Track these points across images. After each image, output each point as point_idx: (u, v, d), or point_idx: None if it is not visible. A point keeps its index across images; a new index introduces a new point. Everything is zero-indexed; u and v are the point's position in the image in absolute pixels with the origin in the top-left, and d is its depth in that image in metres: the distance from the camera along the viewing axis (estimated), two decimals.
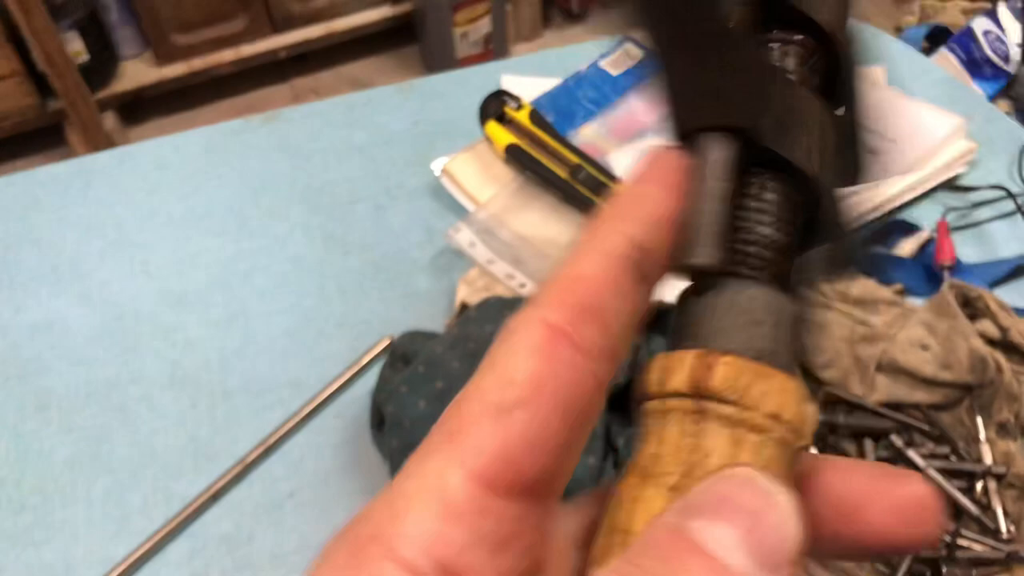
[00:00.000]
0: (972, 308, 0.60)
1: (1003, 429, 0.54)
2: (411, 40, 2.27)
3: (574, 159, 0.71)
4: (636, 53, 0.85)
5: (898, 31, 1.38)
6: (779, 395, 0.17)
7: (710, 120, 0.19)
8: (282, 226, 0.75)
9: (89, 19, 1.93)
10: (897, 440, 0.53)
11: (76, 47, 1.90)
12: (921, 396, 0.55)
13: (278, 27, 2.15)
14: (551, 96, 0.81)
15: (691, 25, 0.20)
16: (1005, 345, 0.58)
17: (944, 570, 0.48)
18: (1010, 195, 0.73)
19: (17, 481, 0.58)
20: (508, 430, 0.15)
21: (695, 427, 0.17)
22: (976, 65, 1.23)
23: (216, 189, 0.79)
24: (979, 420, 0.54)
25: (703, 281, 0.18)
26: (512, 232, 0.69)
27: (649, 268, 0.18)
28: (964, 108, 0.79)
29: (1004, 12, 1.23)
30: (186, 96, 2.13)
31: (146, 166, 0.81)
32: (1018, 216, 0.72)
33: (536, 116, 0.74)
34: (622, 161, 0.74)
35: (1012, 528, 0.50)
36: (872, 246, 0.70)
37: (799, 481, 0.17)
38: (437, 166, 0.77)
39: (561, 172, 0.71)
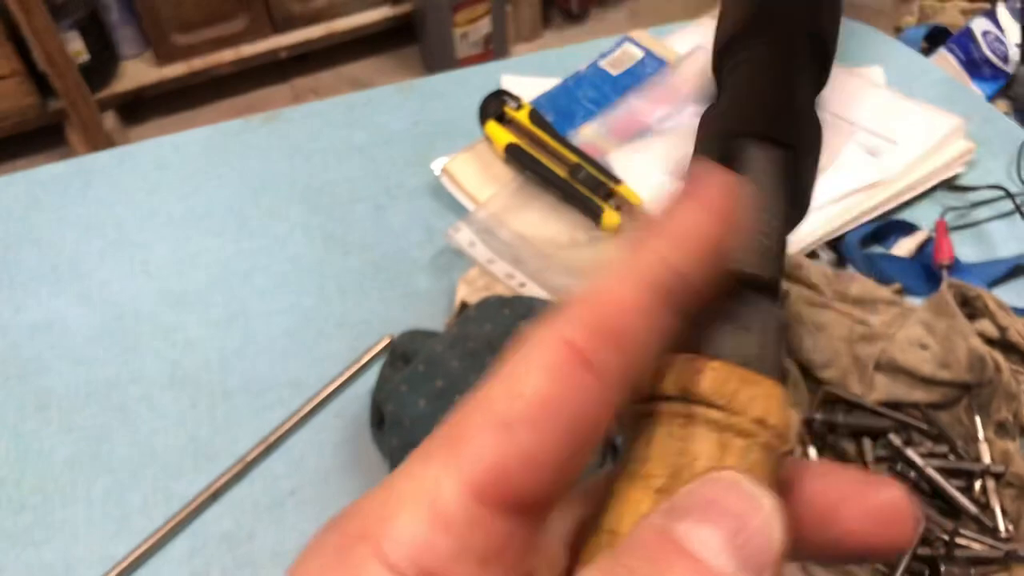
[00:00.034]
0: (971, 307, 0.60)
1: (1001, 428, 0.54)
2: (411, 40, 2.28)
3: (574, 159, 0.72)
4: (636, 53, 0.85)
5: (897, 31, 1.39)
6: (765, 401, 0.17)
7: (763, 131, 0.19)
8: (282, 226, 0.75)
9: (89, 19, 1.93)
10: (896, 439, 0.53)
11: (76, 47, 1.90)
12: (920, 395, 0.56)
13: (278, 27, 2.15)
14: (551, 96, 0.81)
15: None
16: (1004, 344, 0.58)
17: (943, 569, 0.48)
18: (1009, 195, 0.73)
19: (17, 481, 0.58)
20: (508, 445, 0.15)
21: (682, 431, 0.17)
22: (975, 65, 1.23)
23: (216, 189, 0.79)
24: (977, 419, 0.54)
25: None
26: (512, 232, 0.69)
27: (684, 297, 0.17)
28: (963, 108, 0.79)
29: (1003, 13, 1.23)
30: (186, 96, 2.13)
31: (146, 166, 0.81)
32: (1017, 216, 0.72)
33: (536, 116, 0.75)
34: (622, 161, 0.74)
35: (1010, 527, 0.50)
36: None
37: (781, 485, 0.18)
38: (437, 166, 0.77)
39: (561, 172, 0.71)
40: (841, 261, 0.69)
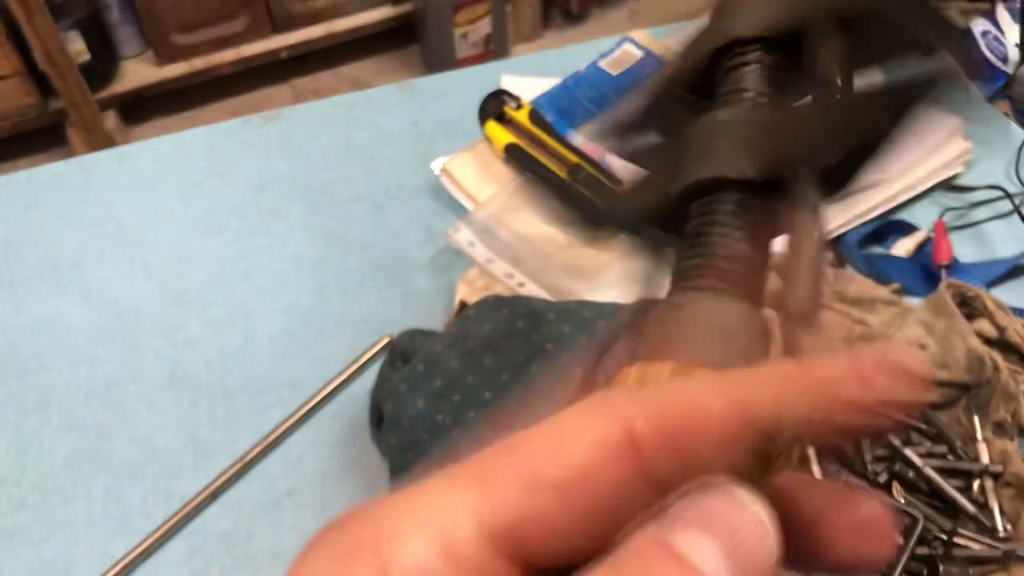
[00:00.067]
0: (969, 308, 0.60)
1: (1000, 428, 0.54)
2: (411, 41, 2.27)
3: (574, 159, 0.72)
4: (636, 53, 0.85)
5: None
6: None
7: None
8: (282, 225, 0.75)
9: (90, 19, 1.93)
10: (894, 439, 0.53)
11: (77, 47, 1.90)
12: None
13: (279, 27, 2.15)
14: (551, 96, 0.81)
15: None
16: (1002, 344, 0.59)
17: (941, 569, 0.48)
18: (1007, 195, 0.73)
19: (17, 479, 0.58)
20: (534, 507, 0.15)
21: None
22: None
23: (216, 189, 0.79)
24: (976, 419, 0.54)
25: (679, 296, 0.19)
26: (511, 232, 0.69)
27: (775, 448, 0.16)
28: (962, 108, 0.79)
29: (1002, 13, 1.23)
30: (187, 96, 2.13)
31: (146, 165, 0.81)
32: (1015, 216, 0.72)
33: (536, 116, 0.75)
34: (622, 161, 0.74)
35: (1009, 527, 0.50)
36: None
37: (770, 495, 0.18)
38: (437, 166, 0.77)
39: (560, 172, 0.71)
40: (840, 261, 0.69)
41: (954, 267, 0.67)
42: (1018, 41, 1.22)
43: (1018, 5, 1.22)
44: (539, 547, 0.15)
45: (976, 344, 0.56)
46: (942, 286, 0.60)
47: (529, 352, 0.56)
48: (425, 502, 0.15)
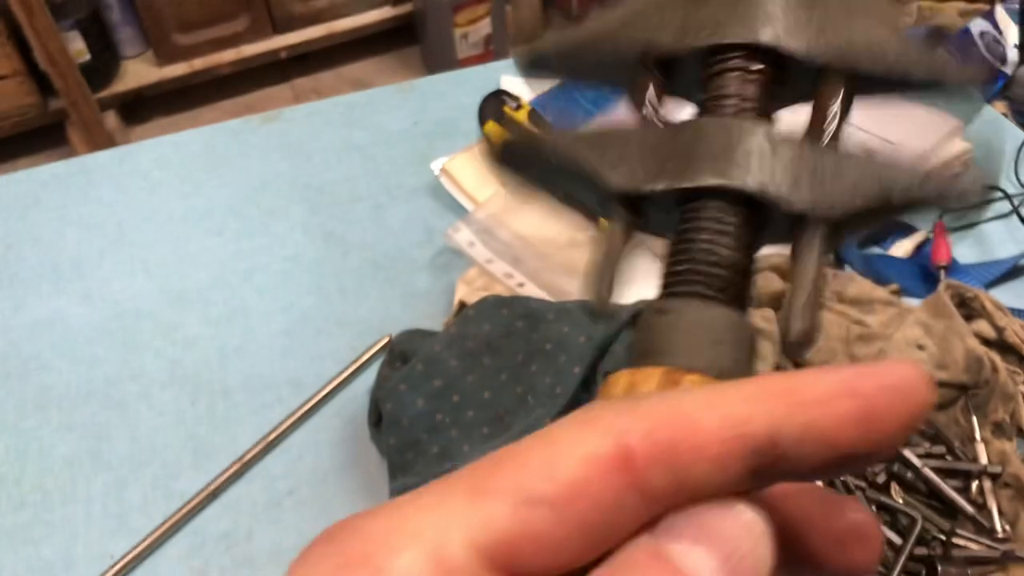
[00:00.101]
0: (968, 308, 0.60)
1: (998, 429, 0.55)
2: (412, 41, 2.28)
3: None
4: None
5: None
6: None
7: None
8: (282, 225, 0.75)
9: (91, 19, 1.93)
10: None
11: (78, 47, 1.90)
12: None
13: (279, 27, 2.15)
14: (551, 96, 0.82)
15: None
16: (1001, 345, 0.59)
17: (940, 569, 0.48)
18: (1006, 196, 0.73)
19: (17, 478, 0.58)
20: (525, 522, 0.15)
21: None
22: None
23: (216, 189, 0.79)
24: (975, 420, 0.54)
25: (667, 301, 0.19)
26: (511, 232, 0.69)
27: (767, 466, 0.15)
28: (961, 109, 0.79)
29: (1001, 14, 1.23)
30: (187, 96, 2.13)
31: (147, 165, 0.82)
32: (1014, 217, 0.72)
33: (535, 116, 0.75)
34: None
35: (1007, 527, 0.50)
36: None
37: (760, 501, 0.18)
38: (437, 166, 0.77)
39: None
40: (839, 261, 0.69)
41: (953, 268, 0.67)
42: (1017, 42, 1.22)
43: (1017, 6, 1.22)
44: (531, 562, 0.15)
45: (975, 345, 0.56)
46: (941, 287, 0.61)
47: (528, 352, 0.56)
48: (417, 515, 0.15)
